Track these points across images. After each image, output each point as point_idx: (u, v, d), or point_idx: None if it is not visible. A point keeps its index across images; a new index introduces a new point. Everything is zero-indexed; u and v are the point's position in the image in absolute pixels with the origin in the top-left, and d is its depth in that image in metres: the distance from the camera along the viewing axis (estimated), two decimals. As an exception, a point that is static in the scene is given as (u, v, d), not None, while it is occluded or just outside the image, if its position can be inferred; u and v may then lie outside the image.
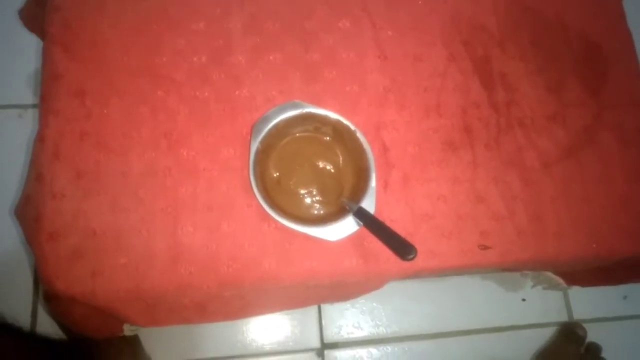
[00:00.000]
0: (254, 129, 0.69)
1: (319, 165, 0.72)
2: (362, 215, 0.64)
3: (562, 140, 0.78)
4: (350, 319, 1.02)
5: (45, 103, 0.71)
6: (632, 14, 0.88)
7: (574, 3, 0.86)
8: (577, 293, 1.08)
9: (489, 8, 0.83)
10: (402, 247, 0.60)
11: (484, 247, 0.71)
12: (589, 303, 1.08)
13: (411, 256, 0.58)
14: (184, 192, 0.69)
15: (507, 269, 0.84)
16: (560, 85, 0.81)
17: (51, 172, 0.68)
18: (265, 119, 0.69)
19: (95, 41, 0.74)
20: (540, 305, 1.07)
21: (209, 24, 0.76)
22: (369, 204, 0.67)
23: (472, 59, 0.80)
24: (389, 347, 1.02)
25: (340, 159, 0.72)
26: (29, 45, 1.03)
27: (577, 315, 1.08)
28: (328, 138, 0.73)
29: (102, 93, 0.72)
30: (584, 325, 1.04)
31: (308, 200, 0.71)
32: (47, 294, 0.66)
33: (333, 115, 0.70)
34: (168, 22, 0.76)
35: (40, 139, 0.69)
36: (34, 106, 1.06)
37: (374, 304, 1.03)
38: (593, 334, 1.03)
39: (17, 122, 1.05)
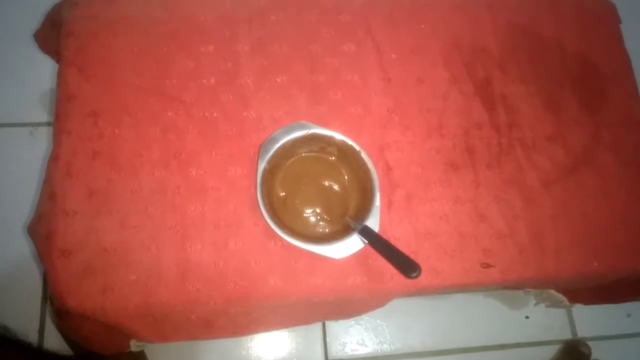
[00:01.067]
0: (261, 149, 0.71)
1: (324, 185, 0.74)
2: (367, 234, 0.66)
3: (562, 160, 0.80)
4: (354, 335, 1.03)
5: (59, 123, 0.73)
6: (629, 36, 0.90)
7: (571, 25, 0.88)
8: (581, 311, 1.08)
9: (489, 31, 0.86)
10: (406, 265, 0.61)
11: (486, 265, 0.72)
12: (592, 321, 1.09)
13: (415, 274, 0.60)
14: (192, 210, 0.71)
15: (509, 287, 0.84)
16: (560, 106, 0.83)
17: (64, 191, 0.70)
18: (272, 140, 0.71)
19: (108, 64, 0.76)
20: (543, 323, 1.08)
21: (218, 47, 0.79)
22: (373, 222, 0.68)
23: (473, 81, 0.82)
24: (392, 364, 1.02)
25: (345, 178, 0.74)
26: (41, 65, 1.06)
27: (581, 333, 1.08)
28: (333, 158, 0.75)
29: (114, 114, 0.74)
30: (588, 343, 1.04)
31: (313, 218, 0.72)
32: (58, 309, 0.67)
33: (338, 136, 0.72)
34: (178, 46, 0.78)
35: (53, 158, 0.71)
36: (46, 124, 1.08)
37: (378, 321, 1.04)
38: (597, 352, 1.03)
39: (28, 140, 1.07)
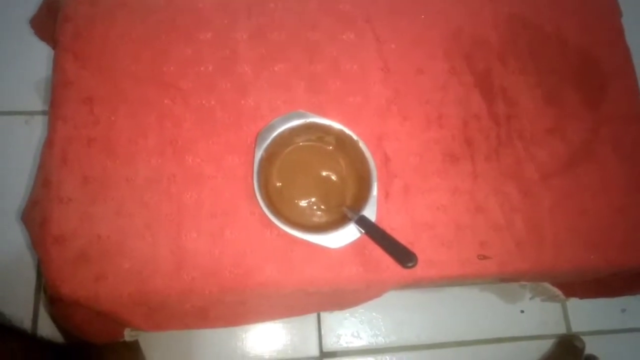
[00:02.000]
0: (258, 137, 0.70)
1: (321, 174, 0.73)
2: (364, 223, 0.65)
3: (561, 153, 0.80)
4: (349, 328, 1.03)
5: (54, 109, 0.72)
6: (630, 29, 0.89)
7: (572, 18, 0.88)
8: (576, 305, 1.09)
9: (489, 23, 0.85)
10: (403, 255, 0.60)
11: (483, 257, 0.72)
12: (587, 315, 1.09)
13: (412, 264, 0.59)
14: (188, 198, 0.70)
15: (505, 279, 0.84)
16: (559, 99, 0.83)
17: (58, 177, 0.69)
18: (270, 128, 0.70)
19: (105, 50, 0.75)
20: (538, 317, 1.08)
21: (216, 35, 0.78)
22: (370, 212, 0.68)
23: (473, 73, 0.82)
24: (387, 357, 1.02)
25: (343, 168, 0.74)
26: (37, 53, 1.05)
27: (576, 327, 1.08)
28: (331, 147, 0.74)
29: (110, 100, 0.73)
30: (582, 337, 1.04)
31: (310, 208, 0.72)
32: (51, 297, 0.66)
33: (336, 125, 0.71)
34: (176, 33, 0.78)
35: (48, 145, 0.70)
36: (41, 113, 1.07)
37: (373, 313, 1.04)
38: (591, 347, 1.03)
39: (23, 128, 1.06)
